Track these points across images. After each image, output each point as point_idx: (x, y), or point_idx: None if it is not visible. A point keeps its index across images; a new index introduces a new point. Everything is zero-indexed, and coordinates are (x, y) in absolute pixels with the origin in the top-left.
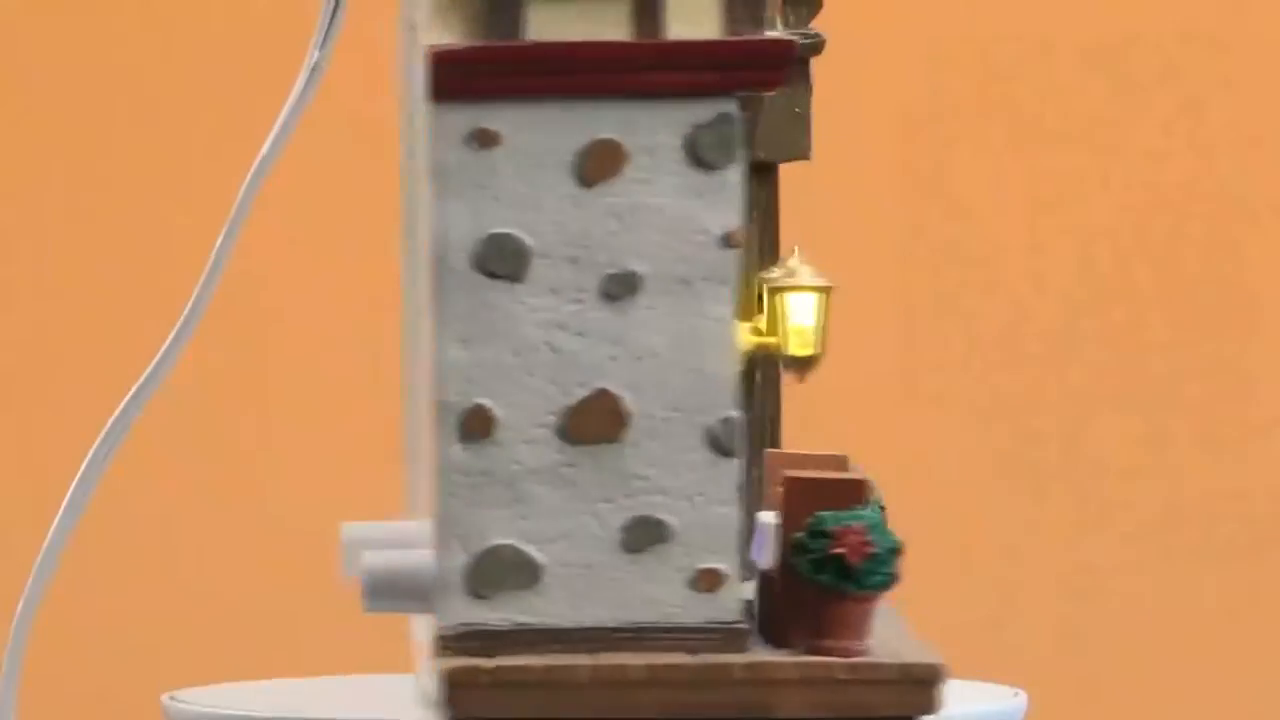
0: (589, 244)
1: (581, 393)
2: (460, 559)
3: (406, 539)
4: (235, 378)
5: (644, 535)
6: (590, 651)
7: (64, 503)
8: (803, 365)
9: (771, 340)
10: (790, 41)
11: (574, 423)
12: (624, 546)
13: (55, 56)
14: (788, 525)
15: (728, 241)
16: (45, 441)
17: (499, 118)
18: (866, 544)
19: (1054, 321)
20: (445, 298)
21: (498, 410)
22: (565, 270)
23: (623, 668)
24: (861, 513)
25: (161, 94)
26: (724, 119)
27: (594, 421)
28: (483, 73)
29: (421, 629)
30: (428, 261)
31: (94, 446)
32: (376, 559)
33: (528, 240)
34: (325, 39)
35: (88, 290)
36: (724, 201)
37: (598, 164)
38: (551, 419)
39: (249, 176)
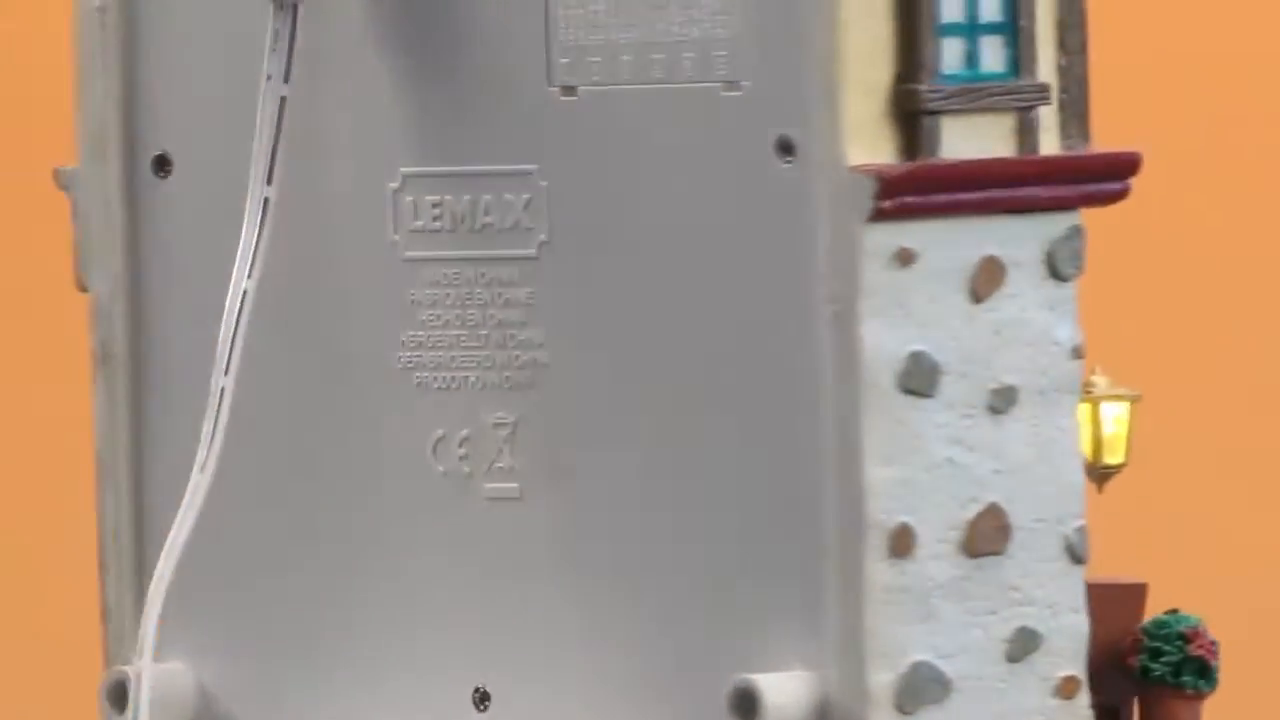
0: (975, 359)
1: (975, 507)
2: (887, 677)
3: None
4: None
5: (1022, 646)
6: None
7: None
8: (1107, 474)
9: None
10: (1137, 155)
11: (970, 537)
12: (1007, 657)
13: None
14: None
15: (1077, 353)
16: None
17: (915, 236)
18: (1212, 643)
19: None
20: (868, 416)
21: (916, 527)
22: (959, 385)
23: None
24: (1187, 615)
25: None
26: (1075, 232)
27: (987, 535)
28: (914, 192)
29: None
30: (841, 379)
31: None
32: (780, 702)
33: (937, 357)
34: None
35: None
36: (1070, 313)
37: (985, 279)
38: (953, 534)
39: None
